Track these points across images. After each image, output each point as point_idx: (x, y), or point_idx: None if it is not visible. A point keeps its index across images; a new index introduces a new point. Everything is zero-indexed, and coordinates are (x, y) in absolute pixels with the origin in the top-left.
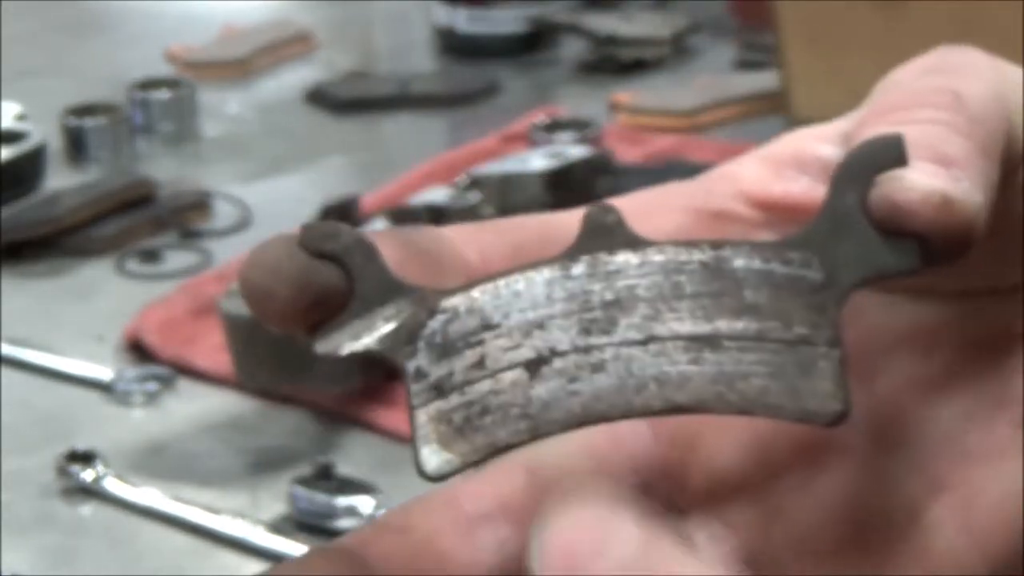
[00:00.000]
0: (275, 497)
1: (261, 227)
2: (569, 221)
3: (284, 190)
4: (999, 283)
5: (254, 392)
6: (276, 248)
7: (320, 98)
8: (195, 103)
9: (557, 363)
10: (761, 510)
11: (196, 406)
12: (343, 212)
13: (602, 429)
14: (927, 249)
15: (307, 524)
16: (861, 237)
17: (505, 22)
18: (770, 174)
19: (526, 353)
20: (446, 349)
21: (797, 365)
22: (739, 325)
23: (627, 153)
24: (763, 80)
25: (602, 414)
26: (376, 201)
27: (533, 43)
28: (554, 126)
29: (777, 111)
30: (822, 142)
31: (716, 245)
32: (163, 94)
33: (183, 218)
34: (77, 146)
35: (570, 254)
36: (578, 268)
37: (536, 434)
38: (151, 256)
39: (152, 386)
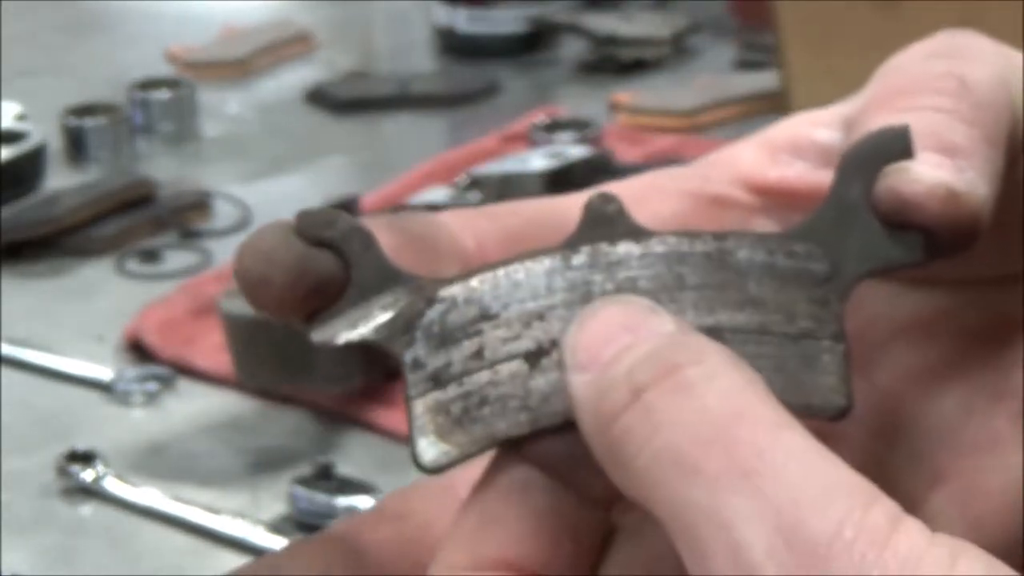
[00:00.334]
0: (275, 497)
1: None
2: (566, 206)
3: (284, 190)
4: (1000, 272)
5: (254, 392)
6: (272, 235)
7: (320, 98)
8: (195, 103)
9: (557, 354)
10: None
11: (196, 406)
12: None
13: None
14: (932, 241)
15: (307, 524)
16: (866, 229)
17: (505, 22)
18: (767, 159)
19: (526, 344)
20: (444, 339)
21: (800, 359)
22: (742, 318)
23: (627, 153)
24: (763, 80)
25: None
26: (376, 201)
27: (533, 43)
28: (554, 126)
29: (777, 111)
30: (819, 127)
31: (719, 236)
32: (163, 94)
33: (183, 218)
34: (77, 146)
35: (571, 244)
36: (579, 258)
37: (535, 426)
38: (151, 256)
39: (152, 386)
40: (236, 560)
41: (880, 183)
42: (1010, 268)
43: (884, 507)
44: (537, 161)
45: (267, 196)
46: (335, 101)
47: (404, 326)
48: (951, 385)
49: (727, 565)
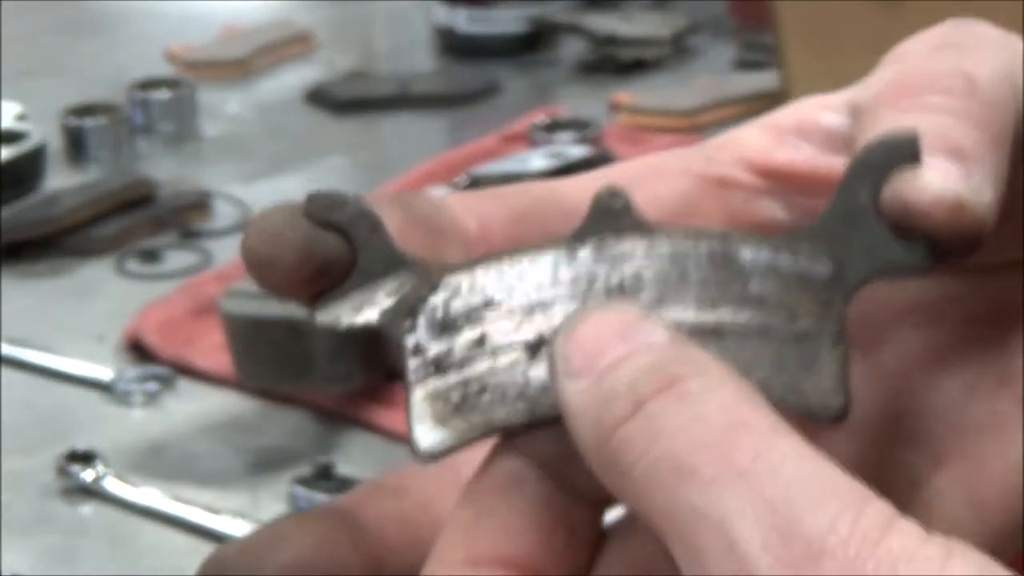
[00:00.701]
0: (275, 497)
1: None
2: (570, 190)
3: (284, 190)
4: (1007, 258)
5: (254, 392)
6: (280, 216)
7: (320, 98)
8: (195, 103)
9: None
10: None
11: (196, 406)
12: None
13: None
14: (937, 248)
15: None
16: (871, 233)
17: (505, 22)
18: (773, 141)
19: (527, 334)
20: (446, 326)
21: (800, 359)
22: (743, 316)
23: (627, 153)
24: (763, 80)
25: None
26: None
27: (533, 43)
28: (554, 126)
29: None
30: (826, 111)
31: (724, 235)
32: (163, 94)
33: (183, 218)
34: (77, 146)
35: (577, 236)
36: (584, 251)
37: (533, 416)
38: (151, 256)
39: (152, 386)
40: None
41: (887, 189)
42: (1017, 255)
43: (878, 507)
44: (537, 161)
45: (267, 196)
46: (335, 101)
47: (407, 311)
48: (956, 368)
49: (722, 562)
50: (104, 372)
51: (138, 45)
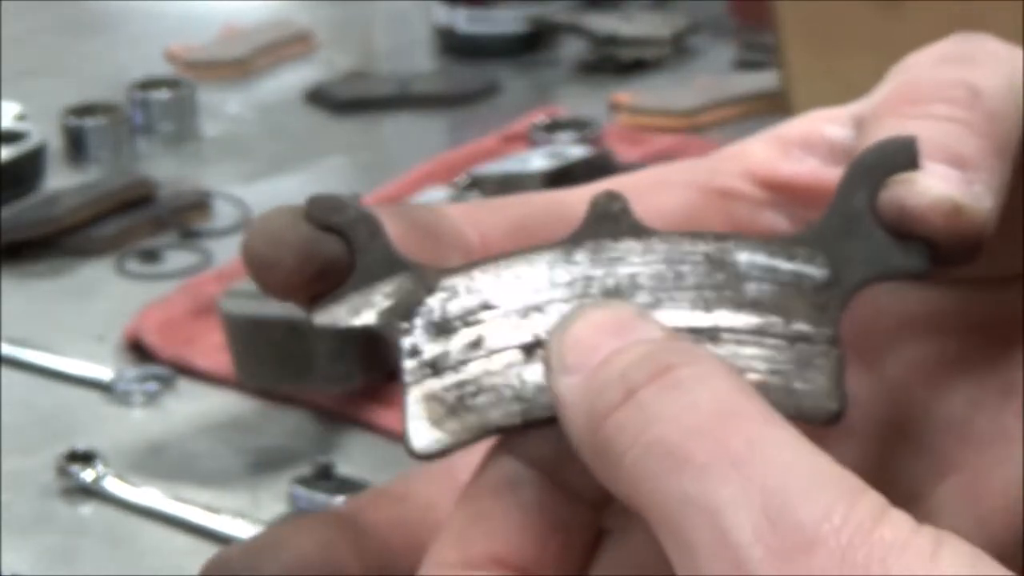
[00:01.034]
0: (275, 497)
1: None
2: (570, 200)
3: (284, 190)
4: (1011, 271)
5: (254, 392)
6: (281, 218)
7: (320, 98)
8: (195, 103)
9: None
10: None
11: (196, 406)
12: None
13: None
14: (935, 253)
15: None
16: (869, 238)
17: (505, 22)
18: (777, 154)
19: (523, 336)
20: (443, 327)
21: (795, 362)
22: (739, 319)
23: (627, 153)
24: (763, 80)
25: None
26: (376, 201)
27: (533, 43)
28: (554, 126)
29: (777, 111)
30: (831, 123)
31: (721, 237)
32: (163, 94)
33: (183, 218)
34: (77, 146)
35: (574, 239)
36: (581, 253)
37: (528, 418)
38: (151, 256)
39: (152, 386)
40: None
41: (884, 193)
42: (1017, 268)
43: (871, 498)
44: (537, 161)
45: (267, 196)
46: (335, 101)
47: (405, 313)
48: (960, 380)
49: (714, 551)
50: (104, 372)
51: (138, 45)
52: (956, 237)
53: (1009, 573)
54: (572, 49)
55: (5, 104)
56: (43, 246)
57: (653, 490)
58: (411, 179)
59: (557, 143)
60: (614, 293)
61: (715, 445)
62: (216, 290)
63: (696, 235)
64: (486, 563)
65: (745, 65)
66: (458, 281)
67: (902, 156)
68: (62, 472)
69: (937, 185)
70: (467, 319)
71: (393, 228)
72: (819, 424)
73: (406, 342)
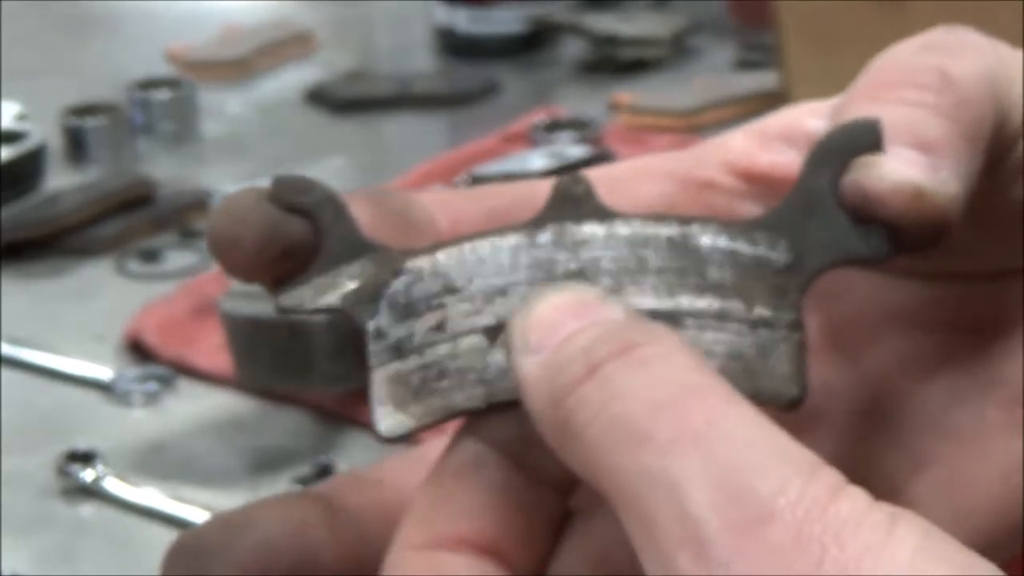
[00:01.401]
0: None
1: None
2: (544, 188)
3: None
4: (991, 267)
5: (254, 392)
6: (246, 198)
7: (320, 98)
8: (195, 103)
9: None
10: None
11: (196, 406)
12: None
13: None
14: (897, 237)
15: None
16: (831, 221)
17: (505, 22)
18: (757, 146)
19: (487, 319)
20: (407, 310)
21: (756, 347)
22: (701, 303)
23: (627, 153)
24: (763, 80)
25: None
26: None
27: (533, 43)
28: (554, 126)
29: (777, 111)
30: (813, 116)
31: (684, 221)
32: (163, 94)
33: (183, 218)
34: (77, 146)
35: (537, 221)
36: (544, 236)
37: (492, 400)
38: (151, 256)
39: (152, 386)
40: None
41: (846, 176)
42: (1001, 264)
43: (827, 473)
44: (537, 161)
45: None
46: (335, 101)
47: (369, 296)
48: (939, 374)
49: (671, 525)
50: (104, 372)
51: (138, 45)
52: (918, 222)
53: (963, 547)
54: (572, 49)
55: (5, 104)
56: (43, 246)
57: (613, 465)
58: (411, 179)
59: (557, 143)
60: (577, 276)
61: (676, 421)
62: (216, 290)
63: (659, 218)
64: (451, 543)
65: (745, 65)
66: (423, 263)
67: (866, 138)
68: (62, 472)
69: (900, 169)
70: (431, 302)
71: (364, 214)
72: (780, 408)
73: (371, 325)
